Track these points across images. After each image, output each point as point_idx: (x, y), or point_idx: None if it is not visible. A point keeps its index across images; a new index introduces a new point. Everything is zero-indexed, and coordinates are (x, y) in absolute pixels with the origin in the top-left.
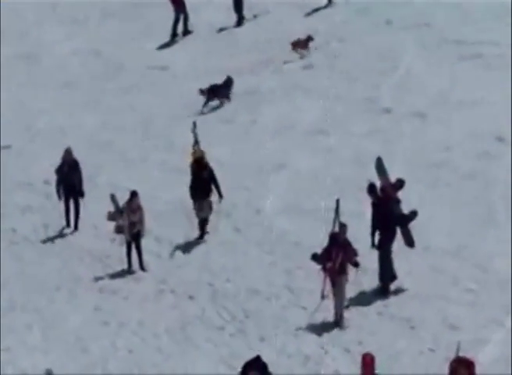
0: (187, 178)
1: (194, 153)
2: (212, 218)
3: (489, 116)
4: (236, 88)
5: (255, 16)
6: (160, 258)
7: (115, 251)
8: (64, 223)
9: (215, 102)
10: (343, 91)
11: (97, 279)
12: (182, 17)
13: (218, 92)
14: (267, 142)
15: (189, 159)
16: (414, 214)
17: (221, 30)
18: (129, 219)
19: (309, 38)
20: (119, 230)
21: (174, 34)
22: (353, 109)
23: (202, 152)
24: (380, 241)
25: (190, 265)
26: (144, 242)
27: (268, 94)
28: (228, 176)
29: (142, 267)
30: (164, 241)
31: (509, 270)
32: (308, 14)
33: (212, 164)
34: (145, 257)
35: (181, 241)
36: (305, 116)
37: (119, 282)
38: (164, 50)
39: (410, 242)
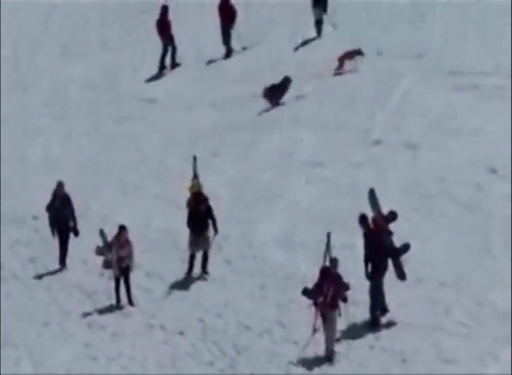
0: (179, 210)
1: (192, 187)
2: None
3: (484, 146)
4: (226, 121)
5: (244, 48)
6: (150, 293)
7: (104, 286)
8: (54, 258)
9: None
10: (338, 122)
11: (86, 314)
12: (170, 49)
13: (276, 92)
14: (261, 174)
15: (187, 193)
16: (406, 247)
17: (209, 62)
18: (117, 254)
19: (357, 52)
20: (107, 264)
21: (162, 67)
22: (348, 140)
23: (200, 186)
24: (371, 272)
25: (180, 300)
26: (133, 276)
27: (261, 125)
28: (221, 208)
29: (131, 302)
30: (154, 276)
31: (504, 302)
32: (298, 45)
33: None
34: (134, 292)
35: (171, 275)
36: (299, 147)
37: (107, 317)
38: (153, 82)
39: (401, 275)
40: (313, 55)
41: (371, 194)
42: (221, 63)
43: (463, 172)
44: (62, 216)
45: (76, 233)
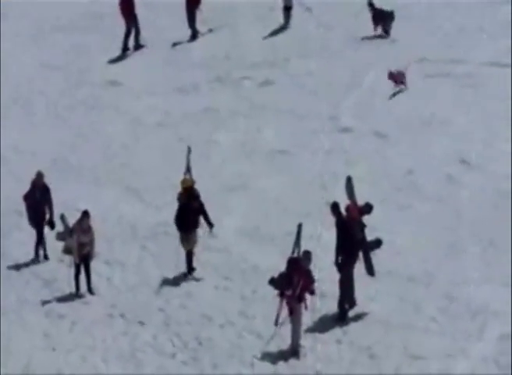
0: (140, 198)
1: (184, 182)
2: (166, 240)
3: (455, 137)
4: (191, 107)
5: (210, 31)
6: (110, 282)
7: (63, 274)
8: (11, 243)
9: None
10: (305, 109)
11: (44, 302)
12: (133, 31)
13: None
14: (225, 163)
15: (178, 188)
16: (378, 243)
17: (175, 44)
18: (78, 240)
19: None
20: (67, 250)
21: (125, 48)
22: (315, 128)
23: (193, 181)
24: (341, 264)
25: (141, 289)
26: (93, 265)
27: (225, 111)
28: None
29: (90, 291)
30: (114, 264)
31: (475, 298)
32: (268, 28)
33: (168, 185)
34: (94, 280)
35: (132, 263)
36: (265, 135)
37: (66, 306)
38: (116, 64)
39: (370, 270)
40: (281, 40)
41: (348, 183)
42: (186, 46)
43: (433, 163)
44: (40, 207)
45: (52, 226)
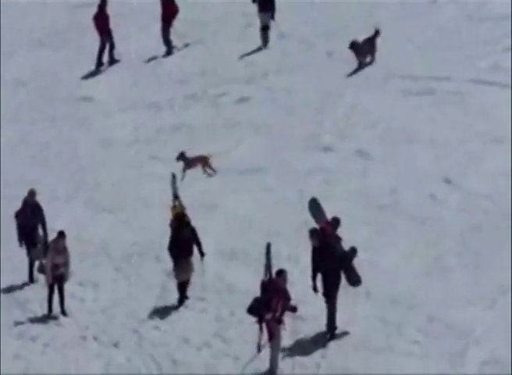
0: (114, 218)
1: (174, 208)
2: (140, 260)
3: (438, 155)
4: (165, 123)
5: (186, 46)
6: (83, 303)
7: (36, 294)
8: None
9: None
10: (283, 127)
11: (17, 323)
12: (107, 45)
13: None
14: (198, 181)
15: (169, 215)
16: (354, 251)
17: (150, 60)
18: (52, 261)
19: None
20: (42, 269)
21: (99, 63)
22: (293, 146)
23: (183, 208)
24: (327, 287)
25: (116, 310)
26: (66, 285)
27: (200, 129)
28: (156, 218)
29: (63, 312)
30: (87, 285)
31: (458, 319)
32: (245, 45)
33: (141, 204)
34: (67, 301)
35: (105, 284)
36: (241, 153)
37: (39, 327)
38: (89, 80)
39: (355, 280)
40: (258, 56)
41: (312, 204)
42: (161, 61)
43: (416, 182)
44: (32, 225)
45: (47, 247)
